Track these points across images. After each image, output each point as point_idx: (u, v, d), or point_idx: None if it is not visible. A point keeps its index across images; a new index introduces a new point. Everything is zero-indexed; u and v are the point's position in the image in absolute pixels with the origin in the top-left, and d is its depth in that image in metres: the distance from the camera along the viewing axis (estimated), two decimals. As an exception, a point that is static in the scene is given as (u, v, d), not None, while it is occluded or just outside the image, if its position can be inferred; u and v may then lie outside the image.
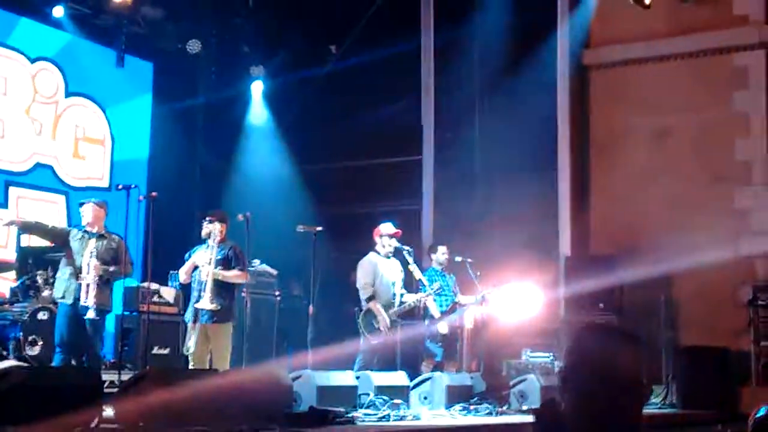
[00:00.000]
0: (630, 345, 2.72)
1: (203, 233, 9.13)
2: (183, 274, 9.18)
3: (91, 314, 8.69)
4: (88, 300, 8.68)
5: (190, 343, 8.88)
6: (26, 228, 9.71)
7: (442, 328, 10.21)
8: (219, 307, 8.83)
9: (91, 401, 6.07)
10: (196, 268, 8.99)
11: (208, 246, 8.99)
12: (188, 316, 9.09)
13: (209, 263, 8.86)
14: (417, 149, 13.63)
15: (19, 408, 5.67)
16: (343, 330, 11.12)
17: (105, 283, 8.90)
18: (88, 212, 9.07)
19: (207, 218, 9.14)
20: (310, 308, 10.03)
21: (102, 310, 8.86)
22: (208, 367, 8.63)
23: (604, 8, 12.77)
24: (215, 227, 8.99)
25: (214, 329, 8.93)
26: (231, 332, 9.10)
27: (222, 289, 8.95)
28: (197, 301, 8.85)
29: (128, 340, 10.41)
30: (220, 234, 8.99)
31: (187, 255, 9.22)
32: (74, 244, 8.99)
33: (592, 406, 2.63)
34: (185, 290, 11.55)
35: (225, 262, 9.02)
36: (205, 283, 8.81)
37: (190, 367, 8.81)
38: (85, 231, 9.02)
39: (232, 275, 9.07)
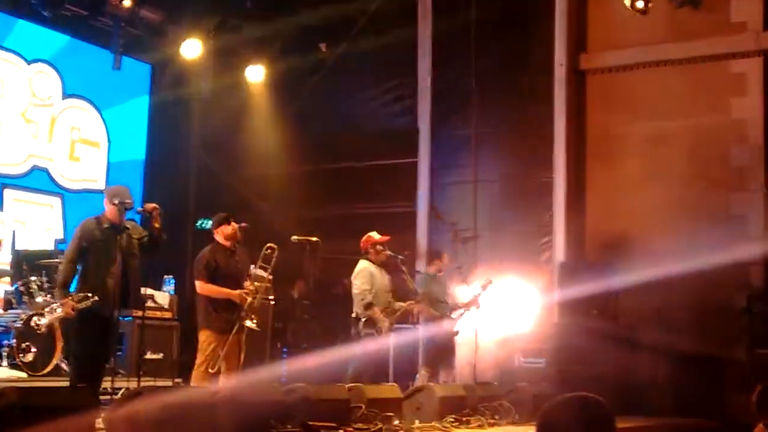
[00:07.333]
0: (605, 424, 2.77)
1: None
2: None
3: None
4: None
5: None
6: None
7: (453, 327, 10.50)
8: None
9: (85, 423, 6.07)
10: None
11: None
12: None
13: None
14: (413, 151, 13.62)
15: (11, 429, 5.67)
16: (338, 334, 11.16)
17: None
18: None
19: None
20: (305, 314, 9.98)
21: None
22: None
23: (601, 13, 12.75)
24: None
25: None
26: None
27: None
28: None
29: (121, 345, 10.37)
30: None
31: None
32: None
33: None
34: (180, 294, 11.58)
35: None
36: None
37: None
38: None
39: None
